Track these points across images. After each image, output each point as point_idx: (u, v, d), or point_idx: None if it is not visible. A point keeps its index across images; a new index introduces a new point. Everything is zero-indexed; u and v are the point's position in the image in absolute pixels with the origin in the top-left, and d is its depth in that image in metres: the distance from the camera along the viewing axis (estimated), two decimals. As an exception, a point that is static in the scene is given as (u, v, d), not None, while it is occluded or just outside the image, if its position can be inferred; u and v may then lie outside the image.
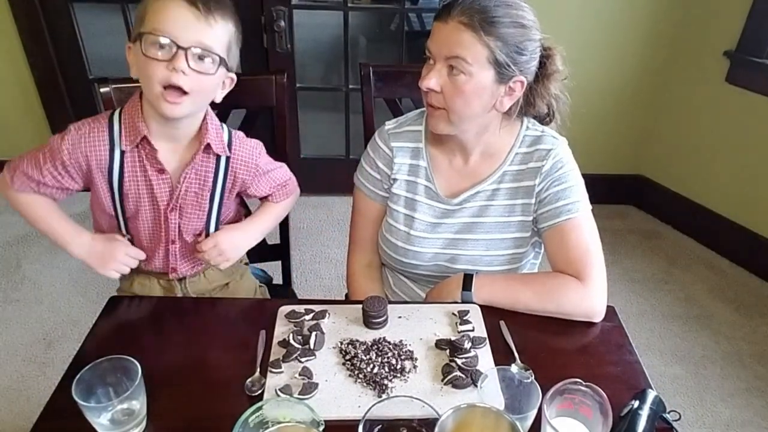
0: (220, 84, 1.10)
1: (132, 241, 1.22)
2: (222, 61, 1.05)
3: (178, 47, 0.99)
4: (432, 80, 1.07)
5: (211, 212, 1.22)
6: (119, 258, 1.17)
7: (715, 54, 2.41)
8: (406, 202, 1.24)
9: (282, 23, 2.44)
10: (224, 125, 1.20)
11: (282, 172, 1.30)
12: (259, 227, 1.30)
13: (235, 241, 1.24)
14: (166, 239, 1.21)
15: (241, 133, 1.22)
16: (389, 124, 1.27)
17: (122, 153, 1.12)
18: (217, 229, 1.24)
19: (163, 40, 0.99)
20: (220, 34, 1.04)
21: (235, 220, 1.32)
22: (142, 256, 1.21)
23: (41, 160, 1.12)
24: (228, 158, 1.18)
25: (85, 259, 1.18)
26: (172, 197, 1.16)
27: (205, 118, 1.14)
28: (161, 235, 1.21)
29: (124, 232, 1.21)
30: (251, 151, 1.22)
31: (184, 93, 1.02)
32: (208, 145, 1.14)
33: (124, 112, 1.12)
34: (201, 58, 1.02)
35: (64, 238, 1.18)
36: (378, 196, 1.28)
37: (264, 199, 1.32)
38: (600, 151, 2.76)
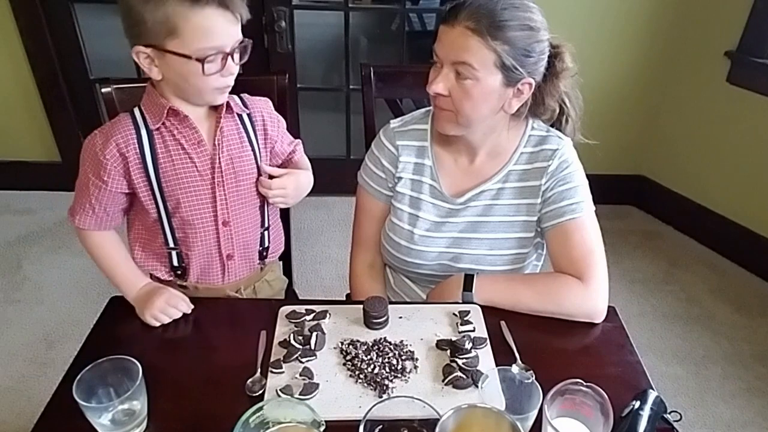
0: None
1: (180, 254, 1.21)
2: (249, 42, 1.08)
3: (225, 54, 1.03)
4: (439, 85, 1.07)
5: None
6: (157, 305, 1.08)
7: (716, 54, 2.41)
8: (410, 201, 1.24)
9: (283, 23, 2.44)
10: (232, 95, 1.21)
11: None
12: (310, 173, 1.30)
13: (301, 185, 1.25)
14: (217, 235, 1.19)
15: (246, 95, 1.23)
16: (394, 123, 1.27)
17: (150, 134, 1.11)
18: (268, 207, 1.26)
19: (218, 55, 1.02)
20: (245, 17, 1.06)
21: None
22: (185, 307, 1.11)
23: (83, 179, 1.13)
24: (249, 115, 1.20)
25: (134, 304, 1.13)
26: (214, 169, 1.15)
27: None
28: (211, 232, 1.19)
29: (171, 243, 1.20)
30: (266, 103, 1.24)
31: None
32: (229, 106, 1.15)
33: (141, 103, 1.13)
34: (239, 51, 1.06)
35: (121, 286, 1.16)
36: (382, 195, 1.28)
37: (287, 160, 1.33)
38: (600, 151, 2.75)
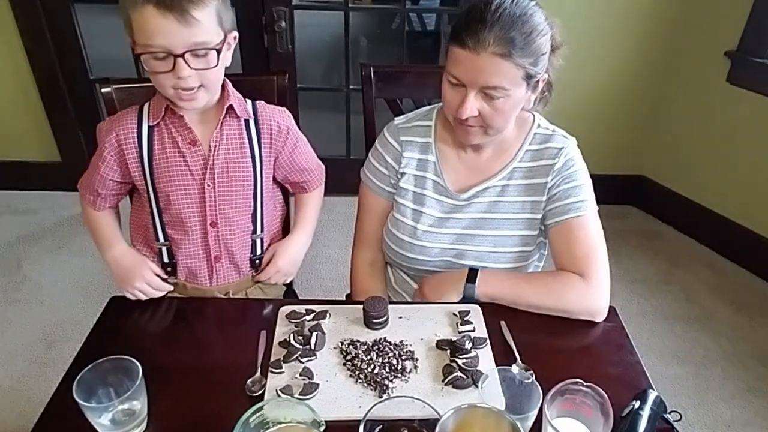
0: (226, 57, 1.10)
1: (170, 251, 1.23)
2: (220, 49, 1.05)
3: (175, 56, 1.01)
4: (469, 110, 1.06)
5: (255, 194, 1.22)
6: (136, 281, 1.14)
7: (715, 54, 2.41)
8: (414, 196, 1.24)
9: (283, 24, 2.44)
10: (247, 99, 1.21)
11: (311, 151, 1.32)
12: (309, 230, 1.35)
13: (294, 257, 1.30)
14: (204, 235, 1.20)
15: (263, 102, 1.23)
16: (398, 120, 1.28)
17: (150, 129, 1.14)
18: (262, 216, 1.26)
19: (159, 54, 1.01)
20: (207, 22, 1.01)
21: (280, 216, 1.36)
22: (163, 288, 1.17)
23: (94, 158, 1.18)
24: (256, 121, 1.19)
25: (112, 270, 1.20)
26: (206, 168, 1.16)
27: (225, 87, 1.15)
28: (198, 232, 1.20)
29: (162, 239, 1.22)
30: (280, 113, 1.23)
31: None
32: (232, 108, 1.15)
33: (152, 98, 1.15)
34: (199, 55, 1.03)
35: (102, 244, 1.22)
36: (384, 192, 1.28)
37: (296, 190, 1.36)
38: (600, 151, 2.75)
